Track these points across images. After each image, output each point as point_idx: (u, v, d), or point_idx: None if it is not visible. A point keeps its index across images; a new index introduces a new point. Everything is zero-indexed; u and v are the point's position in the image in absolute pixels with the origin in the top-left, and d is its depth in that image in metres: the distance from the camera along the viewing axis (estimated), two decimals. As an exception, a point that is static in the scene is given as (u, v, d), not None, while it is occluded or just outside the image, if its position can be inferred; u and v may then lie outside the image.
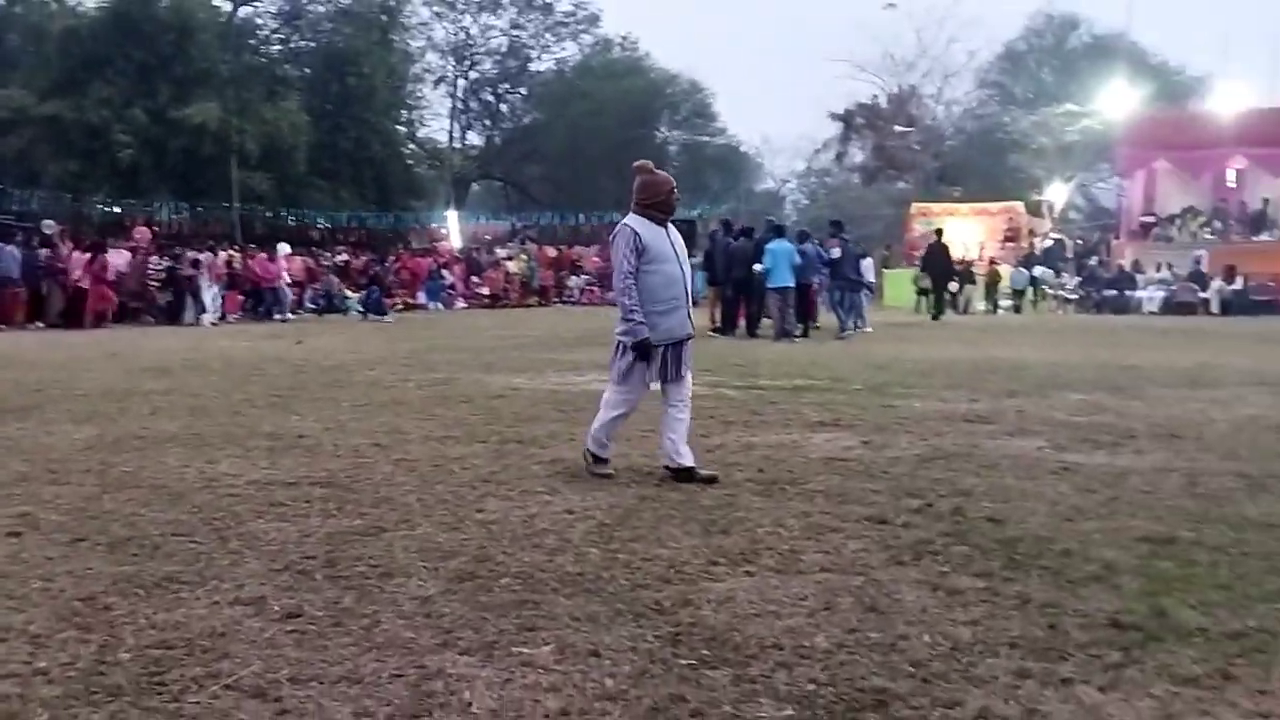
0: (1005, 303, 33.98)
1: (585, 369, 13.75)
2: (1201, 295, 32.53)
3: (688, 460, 6.66)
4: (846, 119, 56.90)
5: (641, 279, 6.58)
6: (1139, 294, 33.62)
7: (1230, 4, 69.15)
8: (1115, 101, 39.97)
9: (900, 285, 32.12)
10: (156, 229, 31.76)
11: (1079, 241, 41.31)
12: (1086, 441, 8.19)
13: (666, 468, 6.75)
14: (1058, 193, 47.95)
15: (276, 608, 4.29)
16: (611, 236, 6.88)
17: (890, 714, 3.31)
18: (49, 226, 26.26)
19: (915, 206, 44.50)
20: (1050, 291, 35.31)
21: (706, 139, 58.46)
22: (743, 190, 59.71)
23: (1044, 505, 6.03)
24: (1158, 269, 34.48)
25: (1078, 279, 36.02)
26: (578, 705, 3.38)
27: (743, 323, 21.41)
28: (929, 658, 3.76)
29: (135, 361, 15.08)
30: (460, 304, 36.19)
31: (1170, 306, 32.46)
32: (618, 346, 6.77)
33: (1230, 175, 36.45)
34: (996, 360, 15.15)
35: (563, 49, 58.79)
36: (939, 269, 28.87)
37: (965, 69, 59.43)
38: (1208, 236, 35.49)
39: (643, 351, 6.60)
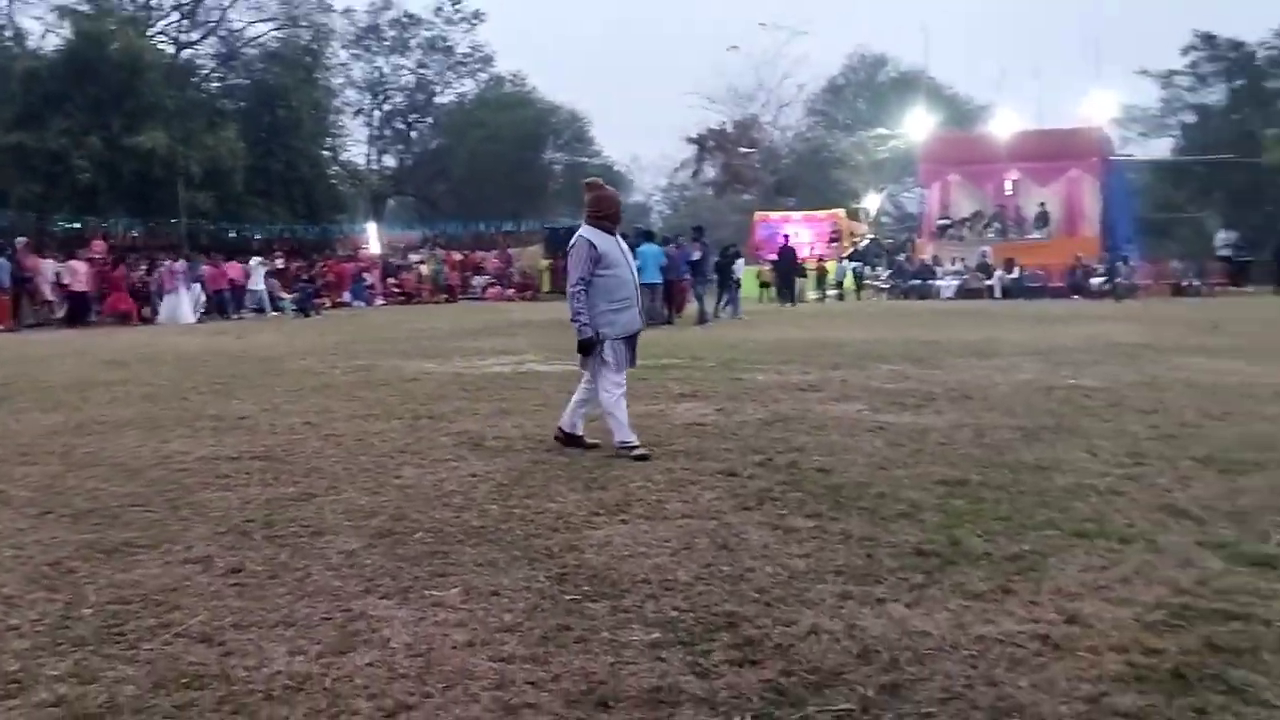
0: (831, 293, 34.47)
1: (487, 355, 13.65)
2: (987, 283, 33.36)
3: (580, 430, 6.64)
4: (700, 142, 57.12)
5: (599, 283, 6.32)
6: (938, 283, 34.28)
7: (1007, 46, 71.51)
8: (917, 126, 40.61)
9: (747, 280, 32.29)
10: (113, 242, 30.71)
11: (889, 241, 42.05)
12: (896, 404, 8.36)
13: (559, 432, 6.70)
14: (872, 201, 48.69)
15: (221, 565, 4.19)
16: (569, 247, 6.51)
17: (739, 633, 3.35)
18: (20, 242, 25.25)
19: (758, 214, 44.86)
20: (867, 282, 35.94)
21: (585, 160, 57.95)
22: (616, 203, 59.39)
23: (862, 457, 6.15)
24: (952, 263, 35.24)
25: (889, 272, 36.70)
26: (481, 637, 3.36)
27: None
28: (770, 585, 3.82)
29: (97, 356, 14.54)
30: (379, 301, 35.53)
31: (962, 293, 33.21)
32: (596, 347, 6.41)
33: (1008, 185, 37.37)
34: (824, 340, 15.37)
35: (462, 84, 58.21)
36: (787, 267, 29.51)
37: (796, 100, 60.18)
38: (990, 236, 36.40)
39: (585, 348, 6.38)
